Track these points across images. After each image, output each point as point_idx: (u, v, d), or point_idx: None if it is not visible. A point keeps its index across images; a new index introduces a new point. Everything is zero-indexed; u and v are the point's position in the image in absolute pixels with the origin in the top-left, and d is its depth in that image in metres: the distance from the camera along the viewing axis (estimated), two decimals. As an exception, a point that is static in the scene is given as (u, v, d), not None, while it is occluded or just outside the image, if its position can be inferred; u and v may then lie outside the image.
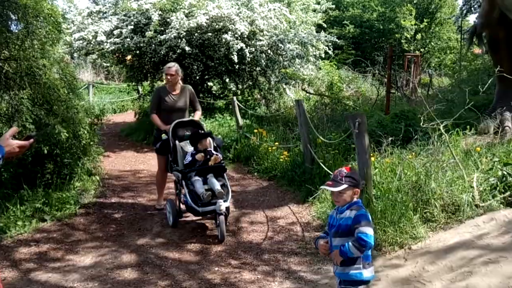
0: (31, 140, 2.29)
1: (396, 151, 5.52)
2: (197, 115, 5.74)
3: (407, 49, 20.72)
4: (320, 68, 13.00)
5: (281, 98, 12.22)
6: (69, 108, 5.64)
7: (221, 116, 10.49)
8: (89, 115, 6.35)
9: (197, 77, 10.47)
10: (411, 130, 6.51)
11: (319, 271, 3.95)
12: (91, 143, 6.28)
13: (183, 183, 4.90)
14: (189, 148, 5.13)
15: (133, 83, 13.48)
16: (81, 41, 9.80)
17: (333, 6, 16.24)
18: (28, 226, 5.04)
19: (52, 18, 6.04)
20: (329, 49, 11.48)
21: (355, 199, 2.66)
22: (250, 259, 4.31)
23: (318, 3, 13.22)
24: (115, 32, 9.66)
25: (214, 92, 11.18)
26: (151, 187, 6.76)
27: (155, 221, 5.39)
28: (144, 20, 9.85)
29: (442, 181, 4.45)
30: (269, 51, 10.21)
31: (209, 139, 5.13)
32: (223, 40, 9.59)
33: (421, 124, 5.37)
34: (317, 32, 11.64)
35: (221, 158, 5.09)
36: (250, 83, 11.38)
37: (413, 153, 5.35)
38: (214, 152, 5.04)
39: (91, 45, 9.88)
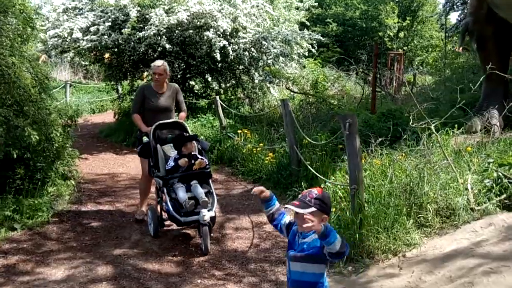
0: None
1: (385, 151, 5.32)
2: (182, 117, 5.36)
3: (390, 47, 20.70)
4: (304, 67, 12.78)
5: (265, 97, 11.96)
6: (40, 109, 5.32)
7: (204, 116, 10.18)
8: (62, 116, 5.99)
9: (179, 76, 10.13)
10: (399, 130, 6.34)
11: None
12: (65, 145, 5.94)
13: (165, 190, 4.55)
14: (172, 153, 4.76)
15: (112, 82, 13.09)
16: (56, 39, 9.35)
17: (316, 4, 16.11)
18: (-4, 236, 4.69)
19: (24, 14, 5.71)
20: (313, 47, 11.27)
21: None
22: (235, 270, 4.04)
23: (301, 1, 13.00)
24: (92, 29, 9.25)
25: (196, 91, 10.85)
26: (130, 191, 6.44)
27: (134, 229, 5.08)
28: (122, 16, 9.46)
29: (435, 184, 4.25)
30: (252, 48, 9.93)
31: (194, 143, 4.78)
32: (205, 37, 9.28)
33: (410, 123, 5.20)
34: (300, 30, 11.41)
35: (207, 163, 4.71)
36: (233, 82, 11.08)
37: (403, 154, 5.15)
38: (199, 156, 4.69)
39: (67, 43, 9.44)
